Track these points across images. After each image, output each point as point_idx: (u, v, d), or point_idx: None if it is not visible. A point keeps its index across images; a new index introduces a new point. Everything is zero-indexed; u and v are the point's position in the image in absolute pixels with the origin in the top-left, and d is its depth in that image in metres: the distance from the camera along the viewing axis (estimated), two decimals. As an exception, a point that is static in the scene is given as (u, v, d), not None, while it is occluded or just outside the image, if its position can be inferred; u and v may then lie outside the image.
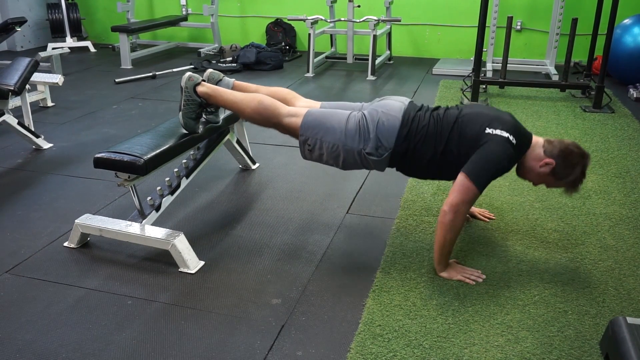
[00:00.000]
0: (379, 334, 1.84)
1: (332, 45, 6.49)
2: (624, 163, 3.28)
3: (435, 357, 1.74)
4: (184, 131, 2.46)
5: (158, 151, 2.27)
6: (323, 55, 6.17)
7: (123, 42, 5.88)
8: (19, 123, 3.40)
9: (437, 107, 2.28)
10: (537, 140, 2.20)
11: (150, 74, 5.45)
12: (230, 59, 5.92)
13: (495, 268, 2.22)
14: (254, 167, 3.25)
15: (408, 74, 5.75)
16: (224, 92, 2.38)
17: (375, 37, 5.46)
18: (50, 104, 4.49)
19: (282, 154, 3.44)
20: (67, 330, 1.87)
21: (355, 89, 5.15)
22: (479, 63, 4.46)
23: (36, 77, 4.04)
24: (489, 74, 5.35)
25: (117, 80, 5.28)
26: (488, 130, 2.09)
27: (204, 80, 2.43)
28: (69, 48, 5.51)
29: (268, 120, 2.27)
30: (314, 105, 2.41)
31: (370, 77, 5.51)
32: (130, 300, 2.03)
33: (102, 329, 1.88)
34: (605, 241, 2.43)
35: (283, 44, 6.55)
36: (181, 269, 2.21)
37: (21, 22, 4.25)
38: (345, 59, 6.02)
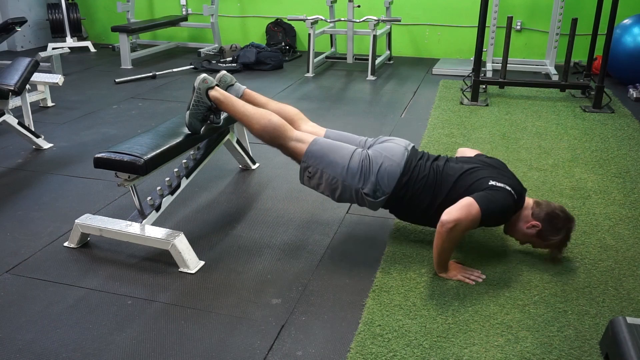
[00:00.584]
0: (379, 333, 1.84)
1: (332, 45, 6.49)
2: (624, 163, 3.28)
3: (435, 357, 1.74)
4: (184, 131, 2.46)
5: (158, 151, 2.27)
6: (323, 55, 6.17)
7: (123, 42, 5.88)
8: (19, 123, 3.40)
9: (437, 157, 2.34)
10: (528, 201, 2.26)
11: (150, 74, 5.45)
12: (230, 59, 5.92)
13: (495, 268, 2.22)
14: (254, 167, 3.25)
15: (408, 74, 5.75)
16: (235, 101, 2.41)
17: (375, 37, 5.47)
18: (50, 104, 4.50)
19: (282, 154, 3.41)
20: (67, 330, 1.87)
21: (355, 89, 5.15)
22: (479, 63, 4.46)
23: (36, 77, 4.04)
24: (489, 74, 5.35)
25: (117, 80, 5.28)
26: (492, 182, 2.14)
27: (217, 85, 2.44)
28: (69, 48, 5.51)
29: (274, 140, 2.32)
30: (319, 131, 2.46)
31: (370, 77, 5.51)
32: (130, 300, 2.03)
33: (102, 329, 1.88)
34: (605, 241, 2.43)
35: (283, 44, 6.55)
36: (181, 269, 2.21)
37: (21, 22, 4.26)
38: (345, 59, 6.02)
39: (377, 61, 5.69)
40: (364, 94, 4.98)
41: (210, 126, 2.58)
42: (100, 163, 2.23)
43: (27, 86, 3.65)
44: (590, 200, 2.81)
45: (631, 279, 2.15)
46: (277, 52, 6.03)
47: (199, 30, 7.16)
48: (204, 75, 2.42)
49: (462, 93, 4.69)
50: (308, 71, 5.62)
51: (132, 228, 2.27)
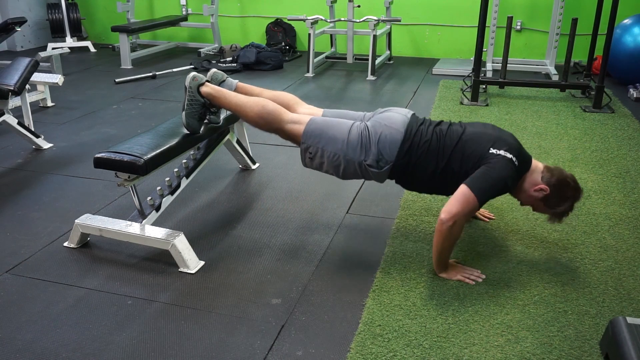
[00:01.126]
0: (379, 333, 1.84)
1: (332, 45, 6.49)
2: (624, 163, 3.28)
3: (435, 357, 1.74)
4: (184, 131, 2.46)
5: (158, 151, 2.27)
6: (323, 55, 6.17)
7: (123, 42, 5.88)
8: (19, 123, 3.40)
9: (440, 122, 2.28)
10: (537, 164, 2.23)
11: (150, 74, 5.45)
12: (230, 59, 5.92)
13: (495, 268, 2.22)
14: (254, 167, 3.25)
15: (408, 74, 5.75)
16: (227, 94, 2.39)
17: (375, 37, 5.46)
18: (50, 104, 4.50)
19: (282, 154, 3.44)
20: (67, 330, 1.87)
21: (355, 89, 5.15)
22: (479, 63, 4.46)
23: (36, 77, 4.04)
24: (489, 74, 5.35)
25: (117, 80, 5.28)
26: (492, 151, 2.11)
27: (208, 81, 2.43)
28: (69, 48, 5.51)
29: (270, 125, 2.28)
30: (316, 112, 2.42)
31: (370, 77, 5.51)
32: (130, 300, 2.03)
33: (102, 329, 1.88)
34: (605, 241, 2.43)
35: (283, 44, 6.55)
36: (181, 269, 2.21)
37: (21, 22, 4.26)
38: (345, 59, 6.02)
39: (377, 61, 5.69)
40: (364, 94, 4.99)
41: (209, 126, 2.58)
42: (100, 163, 2.23)
43: (27, 86, 3.65)
44: (591, 200, 2.81)
45: (631, 279, 2.15)
46: (277, 52, 6.03)
47: (199, 30, 7.16)
48: (193, 73, 2.40)
49: (462, 93, 4.69)
50: (308, 71, 5.62)
51: (132, 228, 2.27)
